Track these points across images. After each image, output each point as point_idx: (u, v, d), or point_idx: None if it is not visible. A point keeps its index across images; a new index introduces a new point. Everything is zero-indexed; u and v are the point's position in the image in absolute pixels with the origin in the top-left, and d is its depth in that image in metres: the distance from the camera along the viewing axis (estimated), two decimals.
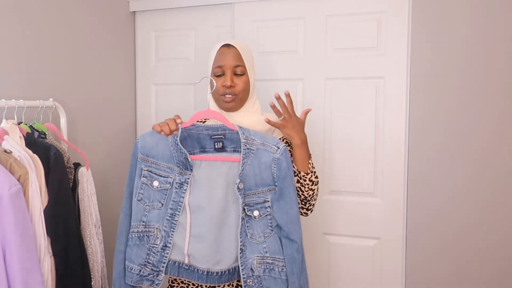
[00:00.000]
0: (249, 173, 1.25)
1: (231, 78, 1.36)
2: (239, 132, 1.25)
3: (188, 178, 1.26)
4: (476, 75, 1.75)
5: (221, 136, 1.27)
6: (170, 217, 1.26)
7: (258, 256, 1.26)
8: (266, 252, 1.27)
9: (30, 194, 1.34)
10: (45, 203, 1.40)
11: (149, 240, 1.27)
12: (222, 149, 1.28)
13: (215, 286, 1.32)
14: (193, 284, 1.37)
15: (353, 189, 1.96)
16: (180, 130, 1.27)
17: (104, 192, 2.04)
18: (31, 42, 1.69)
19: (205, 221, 1.24)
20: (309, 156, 1.35)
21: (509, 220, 1.74)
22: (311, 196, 1.36)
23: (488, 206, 1.77)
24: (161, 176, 1.27)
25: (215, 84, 1.36)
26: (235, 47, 1.39)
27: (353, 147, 1.94)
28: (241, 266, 1.25)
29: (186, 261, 1.27)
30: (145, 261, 1.26)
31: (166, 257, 1.26)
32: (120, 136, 2.24)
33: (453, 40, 1.77)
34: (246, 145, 1.25)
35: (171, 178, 1.27)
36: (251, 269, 1.26)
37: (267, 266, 1.27)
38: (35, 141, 1.48)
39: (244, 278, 1.25)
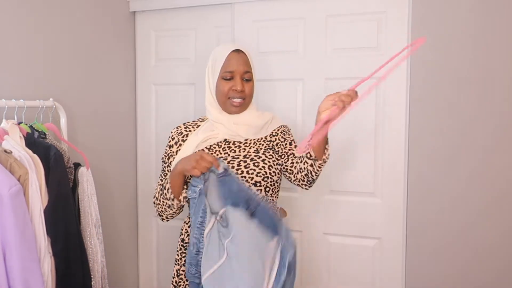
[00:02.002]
0: None
1: (242, 83, 1.43)
2: None
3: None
4: (476, 75, 1.75)
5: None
6: (199, 225, 1.27)
7: None
8: None
9: (30, 194, 1.34)
10: (45, 203, 1.40)
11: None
12: None
13: None
14: None
15: (353, 189, 1.95)
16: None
17: (104, 192, 2.04)
18: (31, 42, 1.69)
19: None
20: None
21: (509, 221, 1.74)
22: (317, 177, 1.42)
23: (488, 206, 1.76)
24: (193, 186, 1.29)
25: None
26: (244, 53, 1.45)
27: (353, 147, 1.94)
28: None
29: None
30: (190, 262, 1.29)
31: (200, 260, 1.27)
32: (120, 136, 2.24)
33: (453, 40, 1.77)
34: None
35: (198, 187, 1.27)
36: None
37: None
38: (35, 141, 1.48)
39: None
